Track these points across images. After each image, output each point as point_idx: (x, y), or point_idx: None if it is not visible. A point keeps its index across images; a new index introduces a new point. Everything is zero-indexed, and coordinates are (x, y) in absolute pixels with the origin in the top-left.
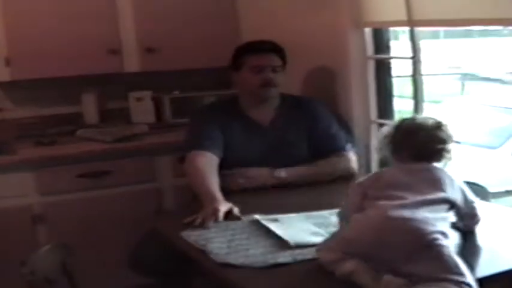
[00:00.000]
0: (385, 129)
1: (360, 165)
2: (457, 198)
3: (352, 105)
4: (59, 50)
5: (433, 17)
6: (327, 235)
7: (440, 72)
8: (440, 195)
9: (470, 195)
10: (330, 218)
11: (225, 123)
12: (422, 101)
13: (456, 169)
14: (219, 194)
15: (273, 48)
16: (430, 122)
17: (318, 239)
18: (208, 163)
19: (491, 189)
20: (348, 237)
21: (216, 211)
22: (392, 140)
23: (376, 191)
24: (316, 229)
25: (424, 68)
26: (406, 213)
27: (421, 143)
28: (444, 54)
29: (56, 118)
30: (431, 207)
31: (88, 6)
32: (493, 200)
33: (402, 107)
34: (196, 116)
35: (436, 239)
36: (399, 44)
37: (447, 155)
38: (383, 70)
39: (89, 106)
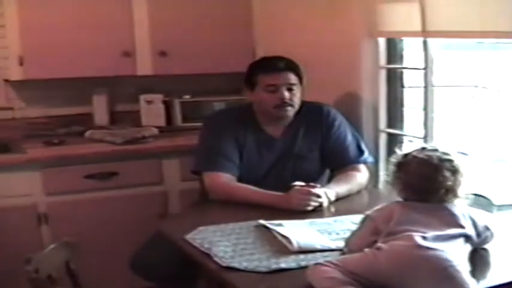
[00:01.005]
0: (396, 161)
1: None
2: (472, 232)
3: (363, 113)
4: (72, 51)
5: (447, 28)
6: (330, 241)
7: (451, 83)
8: (458, 231)
9: (481, 224)
10: (334, 225)
11: (239, 135)
12: (433, 112)
13: (465, 181)
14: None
15: (288, 67)
16: (445, 169)
17: (321, 245)
18: (232, 180)
19: (497, 201)
20: (373, 264)
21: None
22: (402, 180)
23: (392, 226)
24: (320, 235)
25: (436, 79)
26: (432, 244)
27: (433, 193)
28: (457, 66)
29: (67, 118)
30: (450, 242)
31: (104, 9)
32: (499, 212)
33: (413, 118)
34: (211, 126)
35: (458, 272)
36: (413, 54)
37: (457, 197)
38: (395, 80)
39: (100, 107)
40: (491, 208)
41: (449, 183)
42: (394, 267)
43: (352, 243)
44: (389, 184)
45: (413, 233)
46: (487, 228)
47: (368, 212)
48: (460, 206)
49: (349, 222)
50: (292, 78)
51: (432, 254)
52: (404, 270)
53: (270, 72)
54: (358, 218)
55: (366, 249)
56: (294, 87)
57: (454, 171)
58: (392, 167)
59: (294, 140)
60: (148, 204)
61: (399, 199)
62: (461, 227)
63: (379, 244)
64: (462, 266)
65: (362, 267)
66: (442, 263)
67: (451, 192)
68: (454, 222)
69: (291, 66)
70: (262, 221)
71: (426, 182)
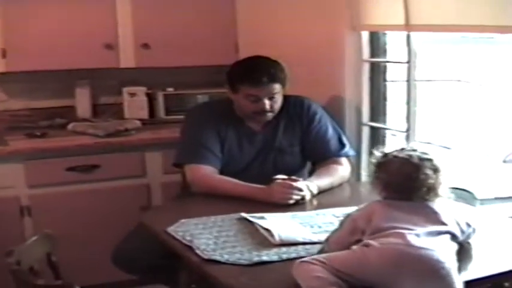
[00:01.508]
0: (377, 161)
1: (352, 168)
2: (456, 229)
3: (346, 107)
4: (55, 43)
5: (430, 22)
6: (312, 234)
7: (434, 77)
8: (442, 228)
9: (463, 221)
10: (316, 218)
11: (221, 128)
12: (415, 106)
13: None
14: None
15: (271, 78)
16: (426, 168)
17: (303, 238)
18: (214, 173)
19: (480, 195)
20: (362, 261)
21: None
22: (382, 180)
23: (377, 223)
24: (302, 228)
25: (419, 74)
26: (424, 243)
27: (415, 192)
28: (440, 60)
29: (49, 111)
30: (438, 238)
31: (87, 2)
32: (481, 206)
33: (396, 112)
34: (193, 119)
35: (449, 274)
36: (396, 48)
37: (438, 195)
38: (378, 74)
39: (82, 100)
40: (473, 202)
41: (431, 181)
42: (385, 265)
43: (332, 242)
44: (370, 184)
45: (404, 231)
46: (468, 225)
47: (349, 212)
48: (442, 204)
49: (331, 215)
50: (276, 88)
51: (424, 253)
52: (395, 269)
53: (254, 85)
54: (340, 211)
55: (354, 247)
56: (276, 96)
57: (435, 169)
58: (372, 167)
59: (275, 133)
60: (131, 197)
61: (379, 198)
62: (444, 224)
63: (367, 241)
64: (452, 266)
65: (349, 265)
66: (435, 264)
67: (433, 190)
68: (437, 219)
69: (275, 78)
70: (244, 214)
71: (408, 181)
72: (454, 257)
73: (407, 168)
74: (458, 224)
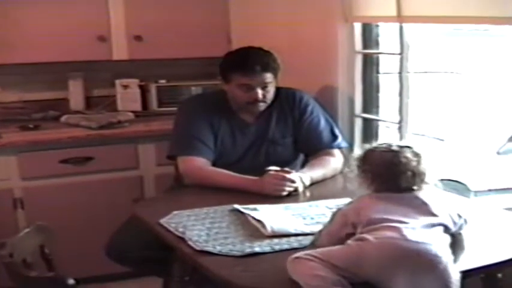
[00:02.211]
0: (358, 156)
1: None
2: (448, 221)
3: (338, 98)
4: (48, 36)
5: (422, 14)
6: (304, 226)
7: (427, 69)
8: (434, 219)
9: (454, 212)
10: (309, 210)
11: (214, 120)
12: (408, 98)
13: (440, 166)
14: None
15: (263, 67)
16: (406, 152)
17: (295, 229)
18: (207, 165)
19: (473, 187)
20: (359, 256)
21: (278, 178)
22: (367, 172)
23: (369, 216)
24: (295, 219)
25: (412, 65)
26: (421, 236)
27: (400, 177)
28: (431, 52)
29: (42, 103)
30: (433, 231)
31: None
32: (474, 198)
33: (388, 104)
34: (186, 111)
35: (446, 269)
36: (389, 41)
37: (425, 182)
38: (371, 65)
39: (75, 92)
40: (467, 193)
41: (413, 163)
42: (383, 260)
43: (324, 235)
44: (358, 181)
45: (398, 224)
46: (459, 216)
47: (341, 205)
48: (432, 195)
49: (325, 207)
50: (268, 77)
51: (423, 248)
52: (393, 263)
53: (246, 73)
54: (333, 202)
55: (349, 241)
56: (269, 85)
57: (416, 154)
58: (355, 164)
59: (268, 125)
60: (124, 189)
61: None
62: (435, 215)
63: (362, 235)
64: (449, 260)
65: (346, 260)
66: (432, 258)
67: (418, 176)
68: (427, 211)
69: (268, 67)
70: (236, 206)
71: (390, 167)
72: (449, 250)
73: (387, 155)
74: (450, 216)
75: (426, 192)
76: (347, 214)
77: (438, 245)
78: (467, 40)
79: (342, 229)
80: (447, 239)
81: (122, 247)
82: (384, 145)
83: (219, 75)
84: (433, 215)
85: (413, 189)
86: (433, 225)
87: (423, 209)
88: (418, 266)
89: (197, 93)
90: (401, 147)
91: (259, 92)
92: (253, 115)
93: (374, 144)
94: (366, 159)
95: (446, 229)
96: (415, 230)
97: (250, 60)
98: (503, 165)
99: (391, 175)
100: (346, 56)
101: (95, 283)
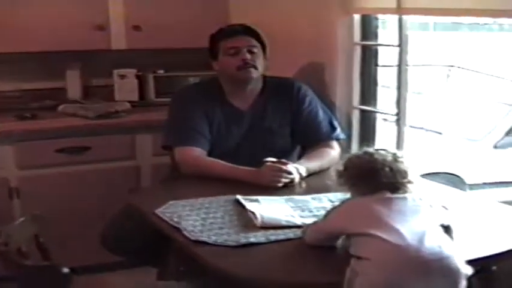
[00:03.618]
0: (339, 170)
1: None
2: (440, 218)
3: (336, 90)
4: (46, 25)
5: (422, 5)
6: (298, 218)
7: (426, 63)
8: (437, 221)
9: (439, 206)
10: (311, 203)
11: (208, 109)
12: (406, 91)
13: (437, 160)
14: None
15: (246, 30)
16: (389, 157)
17: (286, 221)
18: (203, 154)
19: (469, 180)
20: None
21: (275, 170)
22: (350, 178)
23: (364, 223)
24: (292, 212)
25: (410, 59)
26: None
27: (379, 173)
28: (432, 46)
29: (39, 93)
30: (438, 234)
31: None
32: (470, 191)
33: (386, 96)
34: (180, 101)
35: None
36: (388, 34)
37: (408, 181)
38: (369, 57)
39: (73, 82)
40: (463, 187)
41: (389, 158)
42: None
43: (311, 231)
44: (346, 189)
45: (394, 236)
46: (445, 208)
47: (329, 208)
48: (417, 194)
49: (327, 201)
50: (252, 40)
51: (444, 262)
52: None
53: (230, 36)
54: (336, 196)
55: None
56: (255, 50)
57: (392, 153)
58: (337, 176)
59: (263, 113)
60: (121, 179)
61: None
62: (434, 216)
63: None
64: (458, 260)
65: None
66: (455, 273)
67: (398, 172)
68: (421, 211)
69: (250, 31)
70: (239, 196)
71: (369, 167)
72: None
73: (364, 157)
74: (442, 212)
75: (415, 191)
76: (335, 220)
77: (456, 254)
78: (467, 34)
79: (329, 233)
80: (446, 237)
81: (117, 237)
82: (360, 152)
83: (209, 58)
84: (432, 216)
85: (398, 188)
86: (430, 225)
87: (415, 209)
88: (437, 277)
89: (190, 83)
90: (377, 149)
91: (247, 54)
92: (247, 99)
93: (351, 154)
94: (345, 168)
95: (443, 227)
96: (415, 236)
97: (234, 25)
98: (500, 158)
99: (371, 175)
100: (345, 47)
101: (90, 273)
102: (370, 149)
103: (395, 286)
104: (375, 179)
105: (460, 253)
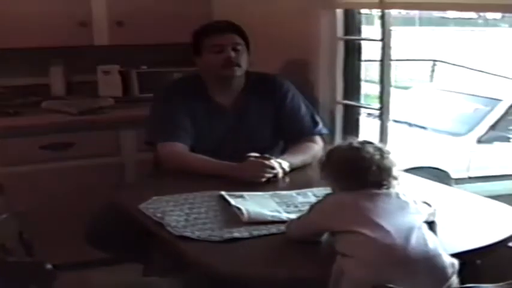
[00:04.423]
0: (320, 159)
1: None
2: (425, 214)
3: (320, 85)
4: (28, 21)
5: (405, 0)
6: (283, 213)
7: (410, 57)
8: (422, 217)
9: (422, 202)
10: (296, 198)
11: (191, 105)
12: (389, 85)
13: (421, 154)
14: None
15: (231, 27)
16: (376, 155)
17: (272, 216)
18: (186, 150)
19: (454, 175)
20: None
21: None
22: (332, 173)
23: (352, 217)
24: (277, 207)
25: (394, 54)
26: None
27: (366, 173)
28: (416, 41)
29: (23, 89)
30: (424, 232)
31: None
32: (455, 186)
33: (369, 91)
34: (163, 97)
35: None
36: (373, 30)
37: (393, 177)
38: (352, 52)
39: (57, 78)
40: (448, 181)
41: (377, 157)
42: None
43: (293, 229)
44: (326, 183)
45: (388, 231)
46: (428, 205)
47: (314, 203)
48: (401, 190)
49: (312, 195)
50: (237, 38)
51: (431, 261)
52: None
53: (214, 33)
54: (321, 191)
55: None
56: (239, 47)
57: (378, 148)
58: (320, 168)
59: (246, 109)
60: (105, 175)
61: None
62: (420, 213)
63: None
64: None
65: None
66: (442, 271)
67: (384, 170)
68: (412, 209)
69: (234, 28)
70: (223, 192)
71: (355, 164)
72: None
73: (349, 152)
74: (426, 208)
75: (399, 187)
76: (318, 215)
77: (443, 253)
78: (453, 30)
79: (312, 229)
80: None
81: (102, 233)
82: (345, 144)
83: (192, 54)
84: (418, 212)
85: (383, 185)
86: (415, 222)
87: (404, 208)
88: (423, 276)
89: (173, 79)
90: (362, 143)
91: (231, 52)
92: (230, 96)
93: (335, 144)
94: (329, 161)
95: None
96: (400, 233)
97: (218, 22)
98: (484, 153)
99: (356, 172)
100: (328, 42)
101: (75, 269)
102: (356, 143)
103: (381, 285)
104: (361, 177)
105: (446, 251)
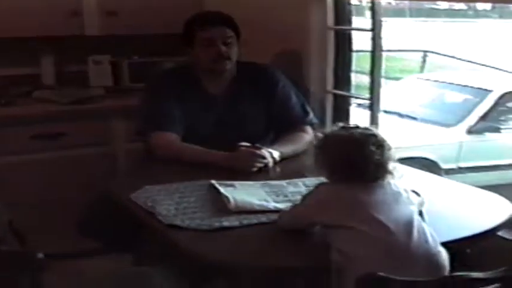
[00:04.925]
0: (317, 143)
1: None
2: (416, 203)
3: (310, 75)
4: (19, 11)
5: None
6: (272, 203)
7: (401, 48)
8: (410, 207)
9: (412, 192)
10: (286, 187)
11: (182, 95)
12: (380, 76)
13: (412, 145)
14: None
15: (222, 21)
16: (369, 144)
17: (259, 205)
18: (178, 140)
19: (444, 165)
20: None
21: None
22: (328, 162)
23: (348, 212)
24: (266, 197)
25: (385, 45)
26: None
27: (360, 167)
28: (407, 32)
29: (14, 79)
30: (423, 227)
31: None
32: (445, 176)
33: (360, 82)
34: (154, 87)
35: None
36: (363, 21)
37: (387, 172)
38: (343, 42)
39: (48, 68)
40: (438, 171)
41: (377, 157)
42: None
43: (286, 218)
44: (316, 167)
45: (385, 225)
46: (417, 194)
47: (306, 193)
48: (395, 182)
49: (303, 185)
50: (228, 32)
51: (433, 259)
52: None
53: (205, 26)
54: (312, 181)
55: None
56: (230, 40)
57: (379, 145)
58: (314, 150)
59: (237, 99)
60: (96, 165)
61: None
62: (413, 204)
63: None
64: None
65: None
66: (442, 268)
67: (381, 167)
68: (401, 199)
69: (226, 20)
70: (213, 181)
71: (353, 160)
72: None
73: (350, 146)
74: (416, 198)
75: (392, 178)
76: (309, 206)
77: (442, 250)
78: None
79: (304, 218)
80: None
81: (94, 223)
82: (348, 132)
83: (183, 44)
84: (411, 203)
85: (378, 178)
86: (411, 213)
87: (396, 197)
88: (423, 274)
89: (163, 69)
90: (364, 136)
91: (222, 47)
92: (221, 85)
93: (335, 127)
94: (327, 148)
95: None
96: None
97: (209, 15)
98: (474, 143)
99: (353, 168)
100: (318, 32)
101: (66, 259)
102: (357, 135)
103: (372, 273)
104: (359, 172)
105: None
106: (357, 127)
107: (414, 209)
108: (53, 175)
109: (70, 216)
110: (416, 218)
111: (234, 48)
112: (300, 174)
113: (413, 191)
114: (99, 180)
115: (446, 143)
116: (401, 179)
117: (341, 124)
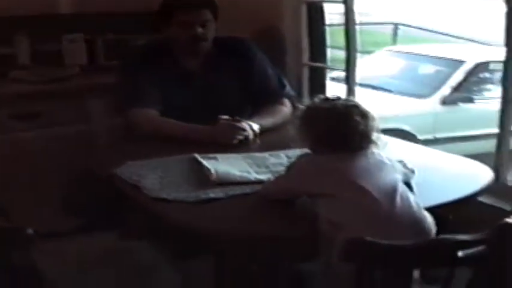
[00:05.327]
0: (299, 114)
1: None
2: (402, 174)
3: (285, 47)
4: None
5: None
6: (253, 174)
7: (373, 21)
8: (395, 175)
9: (400, 163)
10: (269, 159)
11: (159, 70)
12: (355, 49)
13: (387, 116)
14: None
15: (202, 3)
16: (353, 114)
17: (240, 176)
18: (157, 115)
19: (420, 137)
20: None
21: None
22: (311, 134)
23: (332, 181)
24: (247, 168)
25: (357, 18)
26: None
27: (345, 138)
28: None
29: None
30: (407, 193)
31: None
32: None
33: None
34: (130, 64)
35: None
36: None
37: (372, 142)
38: (316, 16)
39: (22, 48)
40: (415, 142)
41: (361, 127)
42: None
43: (270, 186)
44: (299, 139)
45: (370, 193)
46: (406, 166)
47: (289, 164)
48: (379, 151)
49: (285, 156)
50: (207, 14)
51: (419, 226)
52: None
53: (184, 8)
54: (294, 152)
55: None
56: (208, 23)
57: (363, 115)
58: (297, 122)
59: (214, 73)
60: (75, 143)
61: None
62: (394, 170)
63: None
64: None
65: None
66: (427, 233)
67: (365, 138)
68: (385, 167)
69: (205, 2)
70: (196, 155)
71: (337, 131)
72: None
73: (334, 118)
74: (404, 168)
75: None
76: (293, 181)
77: (427, 215)
78: None
79: (287, 190)
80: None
81: (76, 200)
82: (330, 103)
83: (159, 22)
84: (392, 169)
85: (362, 149)
86: (397, 182)
87: (380, 166)
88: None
89: (138, 45)
90: (347, 107)
91: (199, 29)
92: (198, 60)
93: (317, 99)
94: (310, 119)
95: (406, 184)
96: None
97: None
98: (448, 114)
99: (337, 139)
100: (291, 5)
101: (51, 238)
102: (341, 106)
103: (358, 237)
104: (343, 143)
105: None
106: (339, 98)
107: (398, 177)
108: (33, 155)
109: (52, 195)
110: (400, 185)
111: (211, 29)
112: (284, 145)
113: (402, 163)
114: (80, 159)
115: (420, 114)
116: (385, 148)
117: (322, 96)
